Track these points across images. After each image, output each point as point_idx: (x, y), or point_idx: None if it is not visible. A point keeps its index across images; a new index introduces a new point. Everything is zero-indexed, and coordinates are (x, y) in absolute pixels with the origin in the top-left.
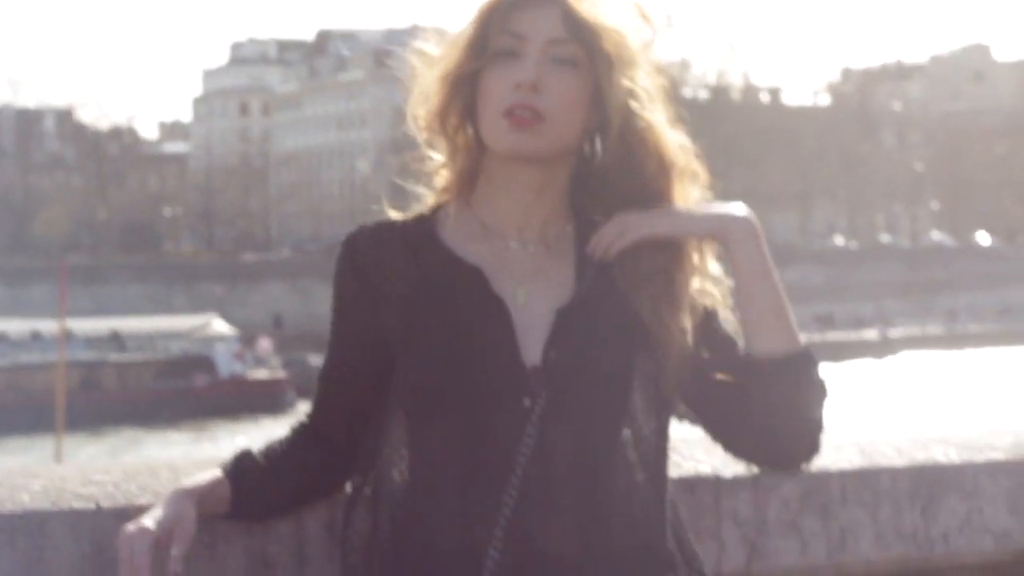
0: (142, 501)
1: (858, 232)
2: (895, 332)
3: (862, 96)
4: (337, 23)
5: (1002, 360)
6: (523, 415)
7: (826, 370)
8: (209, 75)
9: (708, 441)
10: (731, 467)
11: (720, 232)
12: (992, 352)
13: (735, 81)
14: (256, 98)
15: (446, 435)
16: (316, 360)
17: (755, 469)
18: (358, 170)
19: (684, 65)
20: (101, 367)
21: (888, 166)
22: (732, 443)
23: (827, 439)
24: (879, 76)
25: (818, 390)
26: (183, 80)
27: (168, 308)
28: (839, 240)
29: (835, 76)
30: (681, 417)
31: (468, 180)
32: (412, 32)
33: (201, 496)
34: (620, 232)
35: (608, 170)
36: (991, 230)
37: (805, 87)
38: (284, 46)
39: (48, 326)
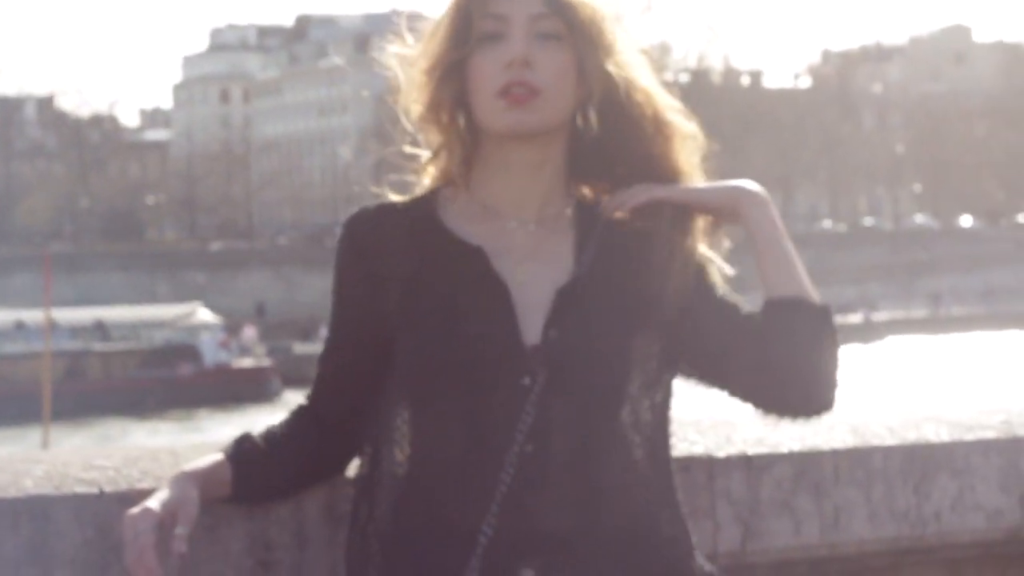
0: (143, 485)
1: (840, 215)
2: (879, 316)
3: (842, 78)
4: (316, 8)
5: (987, 344)
6: (522, 394)
7: None
8: (189, 61)
9: (701, 421)
10: (724, 448)
11: (733, 202)
12: (976, 336)
13: (715, 64)
14: (236, 85)
15: (446, 414)
16: (301, 348)
17: (749, 449)
18: (340, 156)
19: (664, 48)
20: (86, 357)
21: (869, 148)
22: (750, 392)
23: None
24: (859, 58)
25: (833, 338)
26: (163, 67)
27: (151, 297)
28: (827, 224)
29: (815, 58)
30: (688, 376)
31: (465, 167)
32: (392, 16)
33: (203, 479)
34: (634, 193)
35: (606, 140)
36: (973, 212)
37: (785, 70)
38: (263, 32)
39: (31, 316)
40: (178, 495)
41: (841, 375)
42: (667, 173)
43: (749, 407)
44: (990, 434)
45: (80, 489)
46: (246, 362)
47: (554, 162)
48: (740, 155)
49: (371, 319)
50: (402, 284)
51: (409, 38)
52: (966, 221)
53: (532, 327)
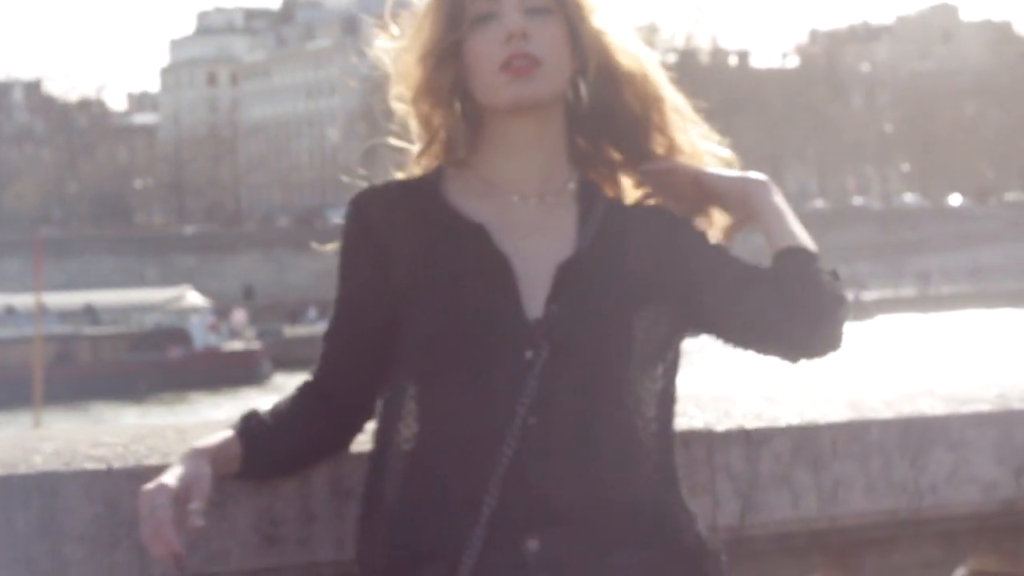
0: (151, 462)
1: (829, 195)
2: (869, 295)
3: (830, 58)
4: None
5: (976, 322)
6: (525, 367)
7: None
8: (176, 45)
9: (700, 396)
10: (723, 422)
11: (741, 187)
12: (966, 314)
13: (703, 44)
14: (224, 68)
15: (451, 389)
16: (291, 331)
17: (748, 424)
18: (328, 139)
19: (652, 29)
20: (76, 341)
21: (857, 128)
22: (758, 333)
23: (815, 393)
24: (847, 37)
25: (837, 287)
26: (150, 50)
27: (140, 280)
28: (819, 203)
29: (803, 38)
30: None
31: (467, 147)
32: None
33: (214, 455)
34: (659, 162)
35: (601, 111)
36: (962, 191)
37: (773, 50)
38: (251, 15)
39: (21, 300)
40: (192, 471)
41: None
42: (661, 143)
43: (752, 352)
44: (985, 407)
45: (89, 465)
46: (236, 345)
47: (553, 136)
48: (728, 135)
49: (377, 296)
50: (407, 261)
51: (395, 28)
52: (955, 200)
53: (534, 301)
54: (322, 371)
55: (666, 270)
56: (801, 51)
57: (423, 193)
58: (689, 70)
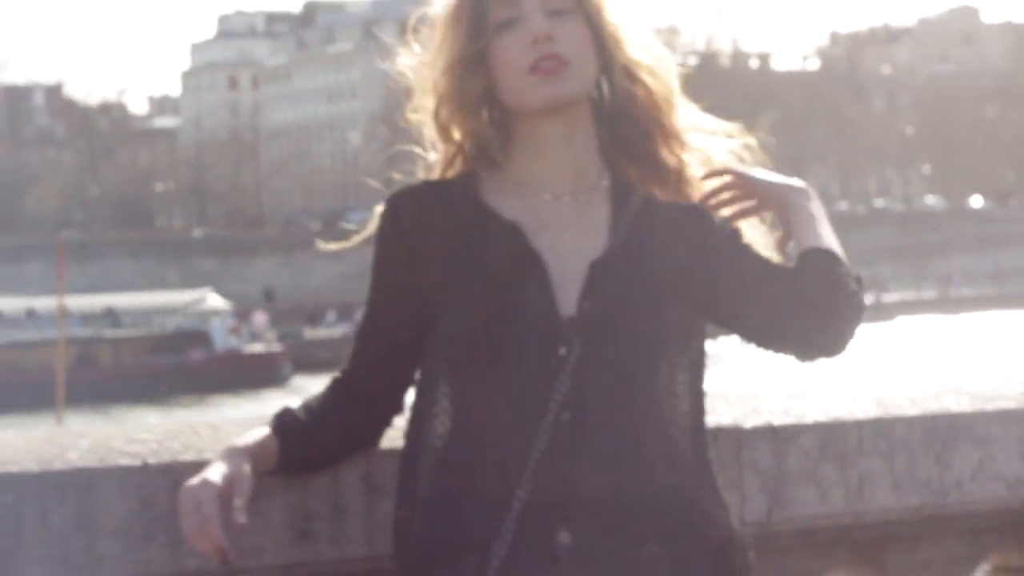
0: (186, 458)
1: (851, 197)
2: (890, 297)
3: (851, 60)
4: None
5: (996, 324)
6: (558, 364)
7: None
8: (197, 48)
9: (728, 393)
10: (751, 419)
11: (785, 195)
12: (986, 316)
13: (723, 47)
14: (245, 71)
15: (485, 385)
16: (311, 334)
17: (775, 420)
18: (349, 142)
19: (672, 31)
20: (97, 343)
21: (878, 130)
22: (772, 336)
23: (842, 390)
24: (867, 40)
25: (857, 293)
26: (171, 54)
27: (161, 284)
28: (841, 206)
29: (824, 41)
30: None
31: (497, 151)
32: (398, 2)
33: (253, 453)
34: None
35: (623, 108)
36: (983, 193)
37: (794, 52)
38: (272, 18)
39: (43, 303)
40: (234, 469)
41: (857, 334)
42: (678, 139)
43: (770, 351)
44: (1010, 404)
45: (124, 461)
46: (256, 347)
47: (582, 135)
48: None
49: (410, 295)
50: (442, 261)
51: (416, 46)
52: (976, 202)
53: (567, 299)
54: (352, 369)
55: (694, 267)
56: (822, 53)
57: (458, 193)
58: (710, 73)
